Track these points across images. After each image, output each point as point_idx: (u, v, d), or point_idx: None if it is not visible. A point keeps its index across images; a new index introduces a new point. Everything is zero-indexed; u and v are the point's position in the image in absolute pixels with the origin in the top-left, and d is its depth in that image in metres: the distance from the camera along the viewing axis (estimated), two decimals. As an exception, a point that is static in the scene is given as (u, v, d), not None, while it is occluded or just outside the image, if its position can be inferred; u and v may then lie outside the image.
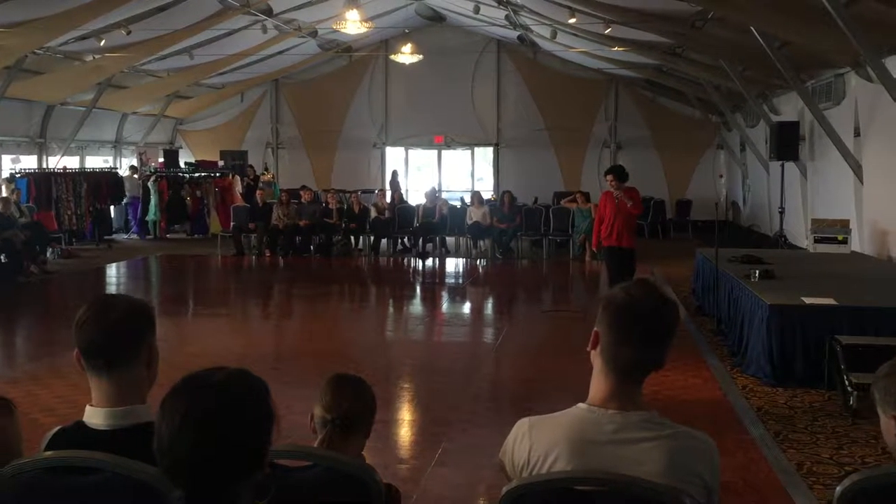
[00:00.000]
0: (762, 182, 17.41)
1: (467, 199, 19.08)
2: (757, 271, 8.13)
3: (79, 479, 2.07)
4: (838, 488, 2.11)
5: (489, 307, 11.94)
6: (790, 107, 15.18)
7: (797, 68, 11.95)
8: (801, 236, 14.33)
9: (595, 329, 2.15)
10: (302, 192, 16.97)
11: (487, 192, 21.87)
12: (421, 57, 18.81)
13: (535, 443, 2.11)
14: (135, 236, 19.54)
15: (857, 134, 11.75)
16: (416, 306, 11.98)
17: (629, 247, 9.49)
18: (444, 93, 22.15)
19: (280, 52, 20.11)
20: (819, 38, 10.14)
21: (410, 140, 23.15)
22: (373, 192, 20.94)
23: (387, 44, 22.38)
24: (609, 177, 9.29)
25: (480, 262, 15.42)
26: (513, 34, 21.03)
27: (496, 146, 22.80)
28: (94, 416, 2.14)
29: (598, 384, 2.13)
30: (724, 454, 2.08)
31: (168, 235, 19.34)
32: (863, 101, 11.32)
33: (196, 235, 19.33)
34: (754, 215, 18.79)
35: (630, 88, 22.20)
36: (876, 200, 11.14)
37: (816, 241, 10.86)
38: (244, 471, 1.52)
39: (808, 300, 6.89)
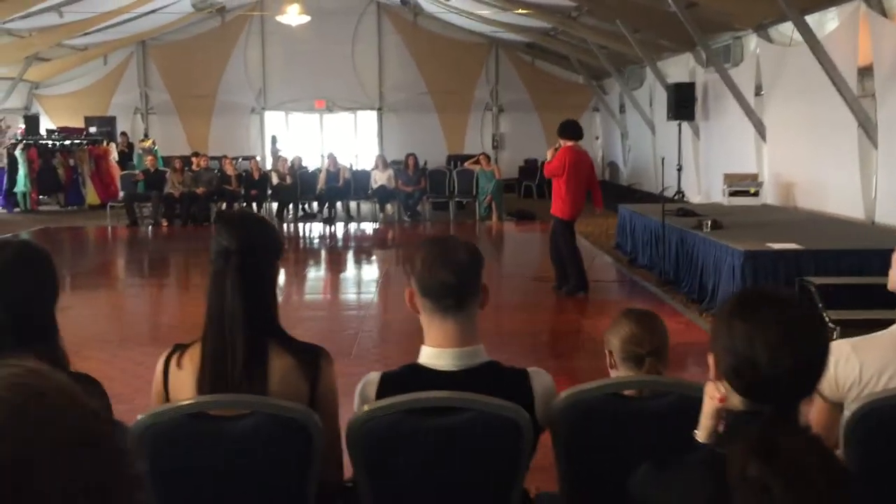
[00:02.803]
0: (646, 142, 18.22)
1: (359, 165, 18.97)
2: (708, 222, 8.58)
3: (440, 420, 2.03)
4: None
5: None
6: (678, 70, 15.94)
7: (702, 30, 12.54)
8: (693, 192, 15.19)
9: None
10: (194, 159, 16.24)
11: (373, 157, 21.78)
12: (309, 18, 18.34)
13: (865, 362, 2.23)
14: (0, 209, 18.09)
15: (757, 93, 12.55)
16: (371, 270, 11.78)
17: (553, 214, 8.65)
18: (324, 56, 21.67)
19: (153, 11, 19.02)
20: None
21: (290, 104, 22.57)
22: (254, 157, 20.40)
23: (262, 3, 21.73)
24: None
25: (394, 225, 15.39)
26: (395, -6, 20.89)
27: (379, 110, 22.62)
28: (439, 358, 2.11)
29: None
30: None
31: (39, 207, 18.04)
32: (766, 62, 12.07)
33: (71, 207, 18.14)
34: (636, 174, 19.66)
35: (509, 52, 22.55)
36: (779, 155, 11.97)
37: (731, 194, 11.55)
38: (816, 381, 1.54)
39: (775, 245, 7.38)
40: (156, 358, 2.26)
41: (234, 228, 2.15)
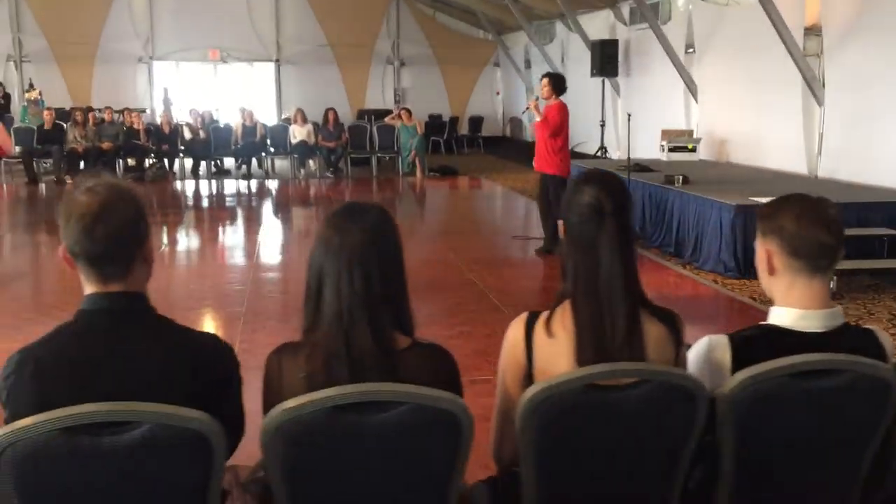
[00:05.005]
0: (556, 98, 18.40)
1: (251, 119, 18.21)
2: (680, 177, 8.79)
3: (818, 382, 1.99)
4: None
5: (427, 225, 11.55)
6: (596, 26, 16.12)
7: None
8: (614, 148, 15.53)
9: None
10: (106, 112, 15.15)
11: (271, 111, 21.07)
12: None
13: None
14: None
15: (687, 50, 12.91)
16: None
17: (548, 172, 8.26)
18: (216, 3, 20.62)
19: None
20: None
21: (181, 54, 21.36)
22: (144, 111, 19.32)
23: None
24: (543, 81, 8.32)
25: (318, 181, 14.95)
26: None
27: (277, 62, 21.79)
28: (806, 319, 2.05)
29: None
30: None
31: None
32: (699, 21, 12.41)
33: (-52, 163, 16.56)
34: (544, 130, 19.88)
35: (410, 4, 22.18)
36: (711, 111, 12.39)
37: (670, 150, 11.88)
38: None
39: (762, 200, 7.63)
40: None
41: (605, 187, 2.00)
